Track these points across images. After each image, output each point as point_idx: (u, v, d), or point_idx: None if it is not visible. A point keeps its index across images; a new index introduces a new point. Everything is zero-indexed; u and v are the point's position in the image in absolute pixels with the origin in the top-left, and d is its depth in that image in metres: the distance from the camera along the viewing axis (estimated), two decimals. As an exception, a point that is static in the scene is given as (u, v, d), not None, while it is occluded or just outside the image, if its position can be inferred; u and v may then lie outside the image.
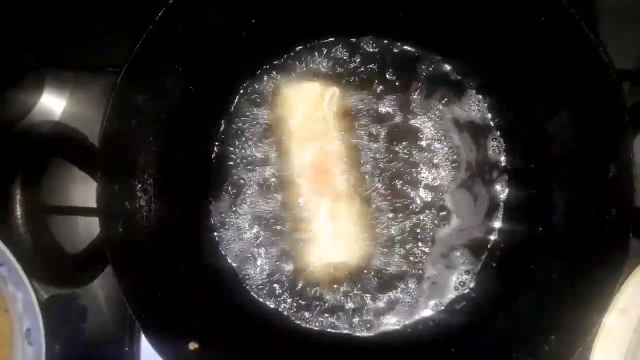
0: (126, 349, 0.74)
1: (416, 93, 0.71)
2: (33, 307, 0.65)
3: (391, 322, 0.70)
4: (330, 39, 0.72)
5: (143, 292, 0.60)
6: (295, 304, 0.70)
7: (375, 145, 0.71)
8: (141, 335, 0.73)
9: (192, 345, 0.61)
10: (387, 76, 0.71)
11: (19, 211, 0.57)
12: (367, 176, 0.70)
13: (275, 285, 0.70)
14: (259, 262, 0.71)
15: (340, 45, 0.72)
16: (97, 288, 0.75)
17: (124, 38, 0.64)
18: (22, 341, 0.66)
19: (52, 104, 0.81)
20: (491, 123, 0.71)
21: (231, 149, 0.72)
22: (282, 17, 0.68)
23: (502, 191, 0.70)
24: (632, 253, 0.55)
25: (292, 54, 0.72)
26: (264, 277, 0.70)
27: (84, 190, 0.75)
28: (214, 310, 0.67)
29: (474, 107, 0.71)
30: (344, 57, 0.72)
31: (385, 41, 0.71)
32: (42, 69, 0.81)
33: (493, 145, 0.70)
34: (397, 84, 0.71)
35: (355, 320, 0.70)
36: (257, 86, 0.72)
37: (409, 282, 0.70)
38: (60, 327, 0.70)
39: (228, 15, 0.64)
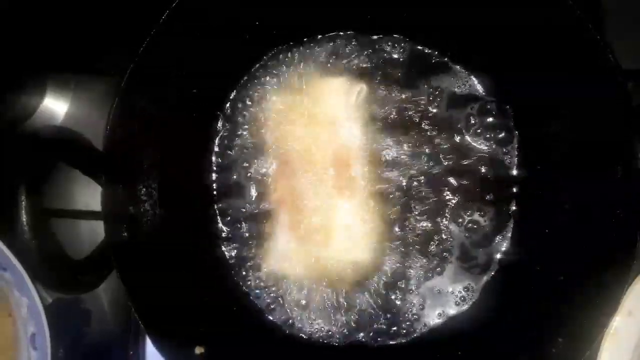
0: (131, 352, 0.74)
1: (430, 96, 0.71)
2: (38, 312, 0.65)
3: (394, 329, 0.69)
4: (336, 39, 0.72)
5: (148, 296, 0.59)
6: (301, 310, 0.69)
7: (394, 145, 0.70)
8: (145, 339, 0.73)
9: (198, 350, 0.60)
10: (406, 77, 0.71)
11: (23, 216, 0.57)
12: (384, 176, 0.70)
13: (282, 290, 0.70)
14: (266, 266, 0.70)
15: (355, 45, 0.72)
16: (101, 292, 0.75)
17: (126, 41, 0.64)
18: (27, 346, 0.66)
19: (54, 106, 0.81)
20: (499, 128, 0.70)
21: (236, 150, 0.71)
22: (285, 16, 0.67)
23: (509, 193, 0.70)
24: (639, 255, 0.55)
25: (295, 54, 0.72)
26: (271, 281, 0.70)
27: (88, 194, 0.75)
28: (219, 315, 0.66)
29: (483, 110, 0.70)
30: (360, 55, 0.71)
31: (403, 43, 0.71)
32: (44, 71, 0.81)
33: (502, 148, 0.70)
34: (418, 85, 0.71)
35: (362, 327, 0.69)
36: (262, 86, 0.72)
37: (414, 285, 0.69)
38: (64, 332, 0.70)
39: (231, 16, 0.64)
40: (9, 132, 0.76)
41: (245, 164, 0.71)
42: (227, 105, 0.72)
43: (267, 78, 0.72)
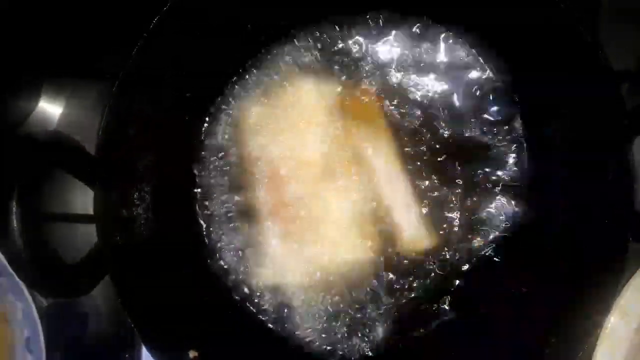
0: (127, 356, 0.74)
1: (424, 98, 0.70)
2: (33, 316, 0.65)
3: (388, 330, 0.69)
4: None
5: (142, 300, 0.59)
6: (296, 313, 0.69)
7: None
8: (141, 343, 0.73)
9: (192, 354, 0.60)
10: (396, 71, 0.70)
11: (16, 220, 0.57)
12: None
13: (277, 294, 0.69)
14: (260, 270, 0.70)
15: (344, 37, 0.71)
16: (96, 295, 0.74)
17: (120, 44, 0.64)
18: (23, 350, 0.66)
19: (49, 110, 0.81)
20: (494, 128, 0.69)
21: (230, 152, 0.71)
22: (278, 15, 0.67)
23: (501, 194, 0.69)
24: (632, 256, 0.55)
25: (287, 55, 0.71)
26: (264, 285, 0.70)
27: (82, 198, 0.75)
28: (214, 319, 0.66)
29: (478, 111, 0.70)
30: (350, 51, 0.70)
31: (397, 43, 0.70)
32: (39, 75, 0.81)
33: (495, 150, 0.69)
34: (411, 88, 0.70)
35: (357, 327, 0.69)
36: (255, 86, 0.71)
37: (413, 284, 0.69)
38: (59, 335, 0.70)
39: (224, 17, 0.64)
40: (3, 135, 0.76)
41: (236, 166, 0.71)
42: (214, 109, 0.71)
43: (261, 79, 0.71)
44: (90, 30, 0.79)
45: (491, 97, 0.69)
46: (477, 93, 0.69)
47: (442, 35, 0.69)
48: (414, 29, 0.69)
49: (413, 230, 0.68)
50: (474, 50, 0.68)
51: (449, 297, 0.68)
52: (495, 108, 0.69)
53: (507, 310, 0.65)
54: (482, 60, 0.68)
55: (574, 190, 0.61)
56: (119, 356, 0.74)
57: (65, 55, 0.80)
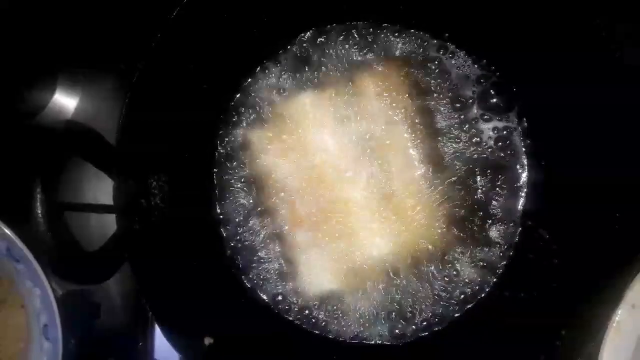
0: (140, 343, 0.75)
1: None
2: (50, 303, 0.66)
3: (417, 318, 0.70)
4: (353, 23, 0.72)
5: (159, 288, 0.60)
6: (310, 301, 0.70)
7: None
8: (155, 330, 0.74)
9: (208, 340, 0.61)
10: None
11: (37, 209, 0.58)
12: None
13: (289, 282, 0.70)
14: (275, 259, 0.71)
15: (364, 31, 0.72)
16: (111, 284, 0.75)
17: (136, 36, 0.65)
18: (40, 337, 0.67)
19: (65, 101, 0.81)
20: (504, 132, 0.70)
21: (245, 144, 0.72)
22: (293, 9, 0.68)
23: (513, 191, 0.70)
24: (640, 251, 0.56)
25: (306, 44, 0.72)
26: (278, 274, 0.71)
27: (101, 188, 0.75)
28: (229, 306, 0.68)
29: (484, 116, 0.71)
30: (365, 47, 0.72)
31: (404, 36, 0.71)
32: (55, 66, 0.81)
33: (504, 150, 0.70)
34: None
35: (363, 329, 0.70)
36: (270, 78, 0.72)
37: (431, 279, 0.70)
38: (75, 323, 0.70)
39: (241, 11, 0.64)
40: (22, 126, 0.76)
41: (255, 158, 0.72)
42: (231, 102, 0.72)
43: (278, 75, 0.72)
44: (106, 23, 0.79)
45: (494, 94, 0.70)
46: (483, 91, 0.70)
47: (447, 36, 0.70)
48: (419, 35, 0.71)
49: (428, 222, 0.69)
50: (480, 48, 0.69)
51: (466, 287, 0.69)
52: (500, 106, 0.70)
53: (518, 304, 0.66)
54: (485, 61, 0.70)
55: (586, 185, 0.61)
56: (133, 344, 0.75)
57: (81, 47, 0.81)
